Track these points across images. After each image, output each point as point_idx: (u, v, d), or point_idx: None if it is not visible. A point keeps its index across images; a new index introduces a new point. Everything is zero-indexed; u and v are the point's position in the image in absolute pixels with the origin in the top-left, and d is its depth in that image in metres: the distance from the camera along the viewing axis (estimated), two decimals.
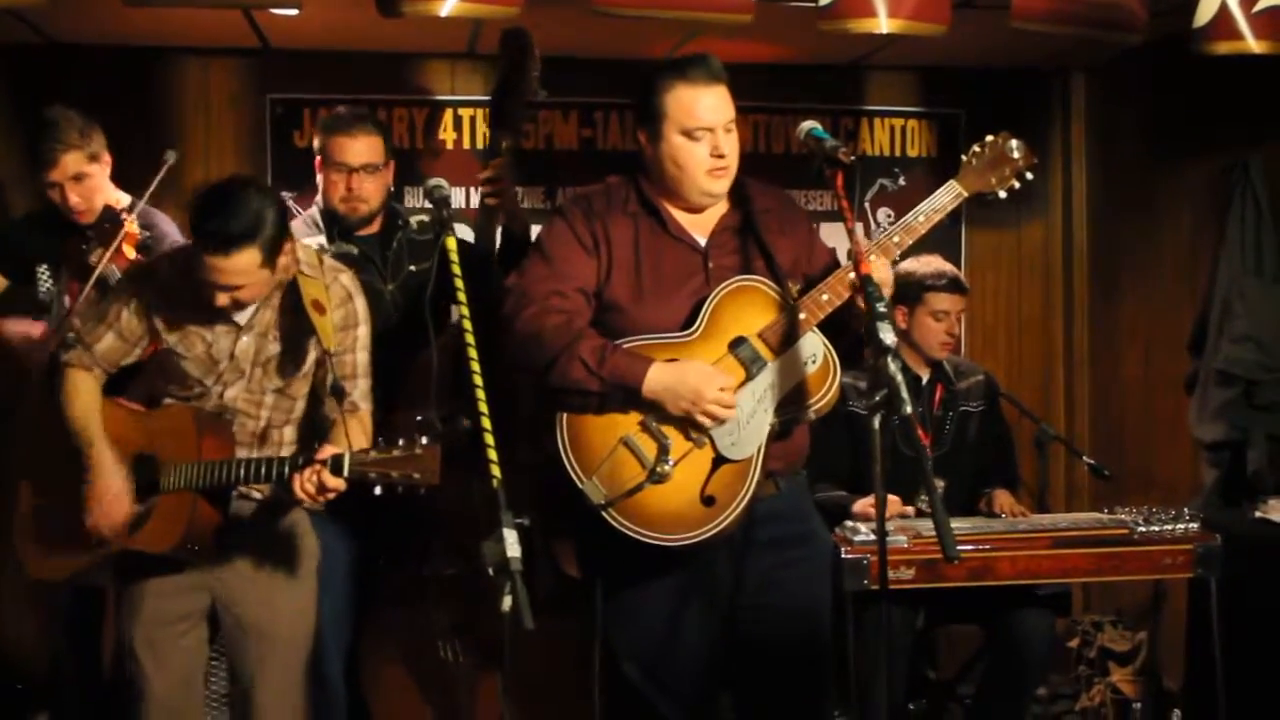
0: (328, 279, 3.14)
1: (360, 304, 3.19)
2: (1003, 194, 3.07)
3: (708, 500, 2.83)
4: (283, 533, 3.19)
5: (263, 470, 2.96)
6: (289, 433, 3.19)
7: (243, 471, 2.98)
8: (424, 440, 2.80)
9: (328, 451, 2.84)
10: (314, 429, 3.17)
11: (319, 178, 3.73)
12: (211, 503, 3.03)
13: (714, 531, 2.81)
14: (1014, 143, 3.06)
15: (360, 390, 3.16)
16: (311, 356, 3.12)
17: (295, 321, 3.06)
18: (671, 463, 2.80)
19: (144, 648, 3.12)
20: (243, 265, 2.87)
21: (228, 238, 2.84)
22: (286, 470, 2.90)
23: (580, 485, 2.80)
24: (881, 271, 2.84)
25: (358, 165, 3.63)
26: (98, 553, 3.09)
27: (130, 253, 3.52)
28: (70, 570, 3.22)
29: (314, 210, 3.77)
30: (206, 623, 3.21)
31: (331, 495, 2.84)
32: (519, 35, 3.52)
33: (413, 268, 3.71)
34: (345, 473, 2.79)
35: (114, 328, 3.10)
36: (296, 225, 3.76)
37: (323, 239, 3.66)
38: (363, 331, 3.18)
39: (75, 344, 3.12)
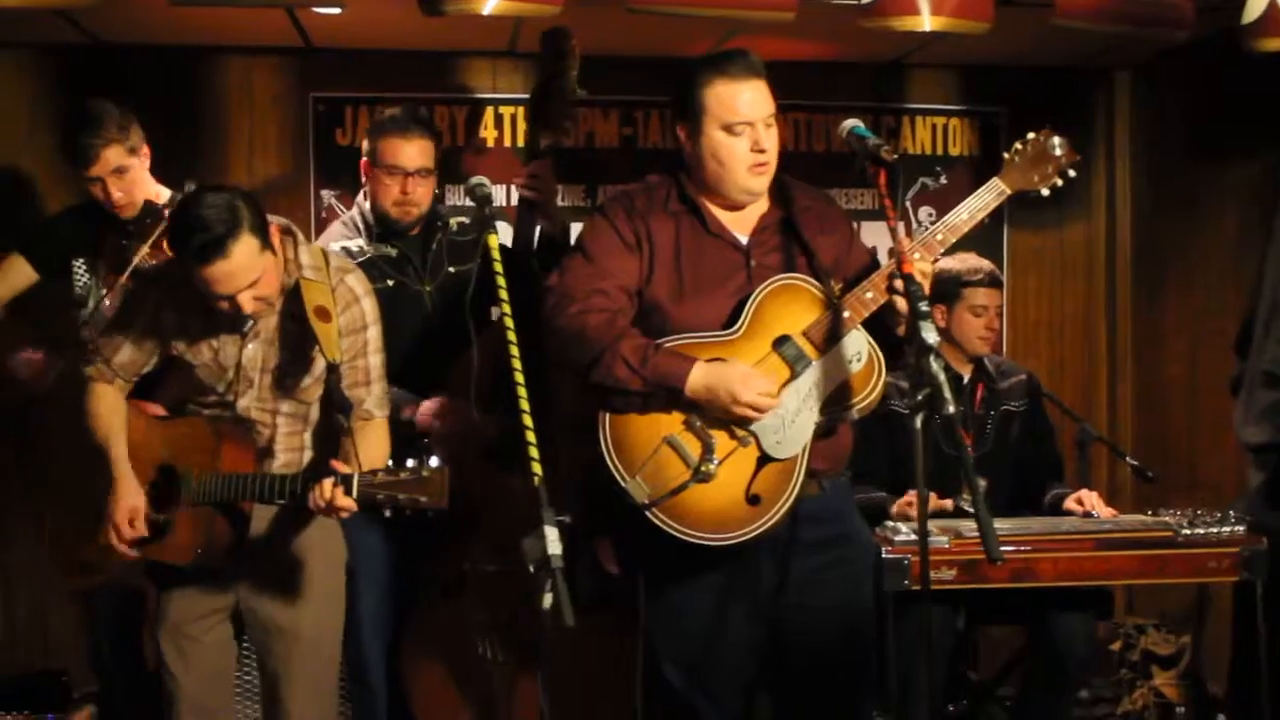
0: (333, 280, 3.10)
1: (369, 305, 3.14)
2: (1045, 191, 3.04)
3: (753, 499, 2.81)
4: (307, 531, 3.15)
5: (277, 487, 2.96)
6: (306, 439, 3.19)
7: (259, 487, 2.98)
8: (433, 462, 2.80)
9: (340, 470, 2.84)
10: (332, 435, 3.11)
11: (364, 179, 3.73)
12: (229, 516, 3.04)
13: (759, 531, 2.80)
14: (1056, 140, 3.03)
15: (374, 397, 3.13)
16: (320, 362, 3.07)
17: (300, 328, 3.04)
18: (716, 461, 2.79)
19: (171, 647, 3.14)
20: (244, 258, 2.86)
21: (218, 240, 2.83)
22: (300, 488, 2.90)
23: (623, 485, 2.79)
24: (924, 265, 2.84)
25: (413, 169, 3.62)
26: (123, 562, 3.10)
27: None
28: (101, 578, 3.27)
29: (354, 212, 3.77)
30: (231, 620, 3.21)
31: (344, 514, 2.84)
32: (560, 34, 3.53)
33: (452, 269, 3.70)
34: (354, 494, 2.80)
35: (130, 338, 3.11)
36: (334, 228, 3.79)
37: (362, 241, 3.66)
38: (372, 334, 3.14)
39: (95, 357, 3.14)
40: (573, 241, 3.12)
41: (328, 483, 2.81)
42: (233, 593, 3.16)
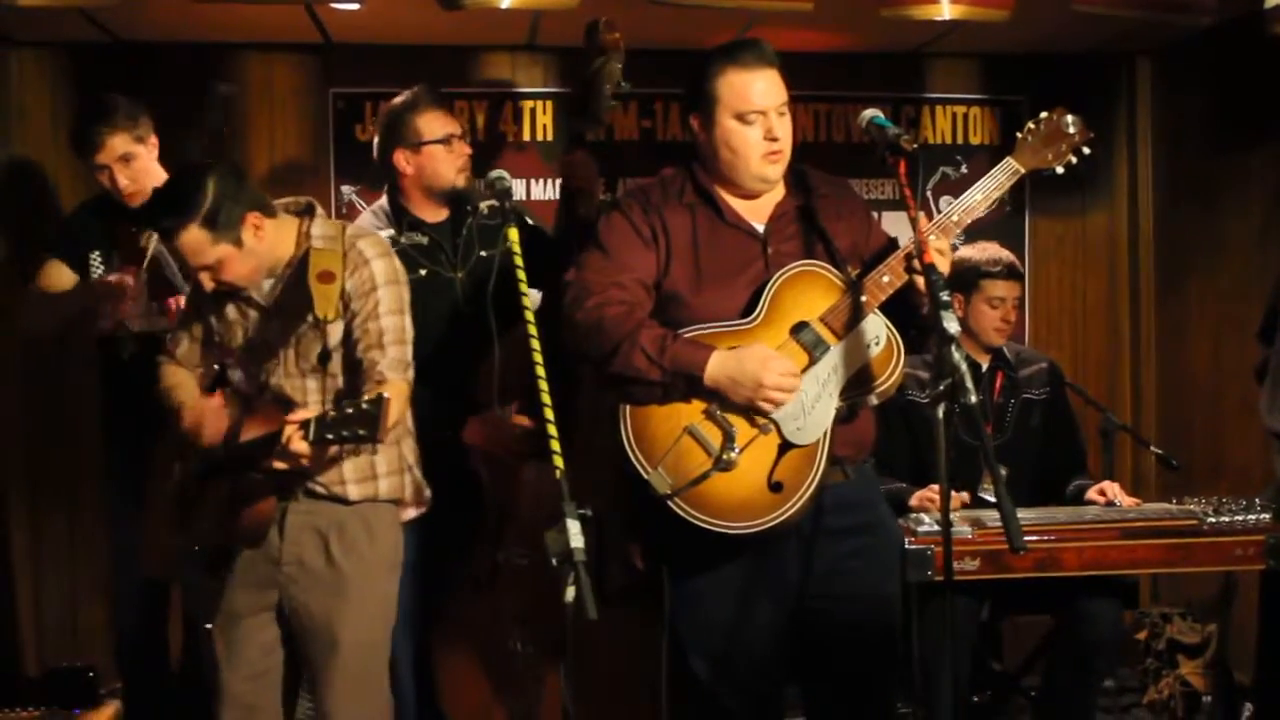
0: (345, 245, 3.08)
1: (379, 267, 3.06)
2: (1060, 169, 3.04)
3: (775, 486, 2.81)
4: (355, 532, 3.12)
5: (253, 448, 2.95)
6: None
7: (244, 450, 2.98)
8: (371, 397, 2.79)
9: (298, 416, 2.85)
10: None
11: (404, 168, 3.70)
12: (254, 493, 3.02)
13: (783, 518, 2.80)
14: (1069, 118, 3.03)
15: (388, 359, 3.01)
16: (336, 332, 3.05)
17: (307, 297, 3.04)
18: (737, 450, 2.79)
19: (219, 640, 3.15)
20: (191, 245, 2.93)
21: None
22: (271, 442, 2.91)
23: (645, 476, 2.79)
24: (940, 244, 2.84)
25: (461, 133, 3.73)
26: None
27: None
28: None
29: (383, 202, 3.79)
30: (279, 621, 3.18)
31: (303, 460, 2.86)
32: (603, 26, 3.53)
33: (483, 253, 3.70)
34: (310, 436, 2.81)
35: (188, 331, 3.24)
36: (364, 219, 3.81)
37: (391, 231, 3.68)
38: (385, 294, 3.05)
39: (165, 353, 3.28)
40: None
41: (289, 429, 2.82)
42: (276, 589, 3.12)
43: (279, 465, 2.88)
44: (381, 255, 3.10)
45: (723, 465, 2.79)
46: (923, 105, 5.23)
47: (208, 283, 3.01)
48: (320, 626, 3.10)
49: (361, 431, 2.76)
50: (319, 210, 3.15)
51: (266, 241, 3.02)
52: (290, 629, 3.17)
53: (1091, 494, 3.93)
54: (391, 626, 3.20)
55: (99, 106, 3.75)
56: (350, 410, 2.77)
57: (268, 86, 4.89)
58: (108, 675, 4.40)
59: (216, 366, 3.22)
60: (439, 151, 3.67)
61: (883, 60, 5.14)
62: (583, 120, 3.64)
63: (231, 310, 3.13)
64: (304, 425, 2.82)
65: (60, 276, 3.91)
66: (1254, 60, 4.39)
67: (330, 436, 2.79)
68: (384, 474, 3.14)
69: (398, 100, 3.76)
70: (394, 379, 3.00)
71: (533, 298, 3.00)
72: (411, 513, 3.26)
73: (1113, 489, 3.91)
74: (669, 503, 2.79)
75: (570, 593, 2.39)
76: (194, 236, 2.92)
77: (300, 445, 2.82)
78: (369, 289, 3.05)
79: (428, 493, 3.28)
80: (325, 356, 3.04)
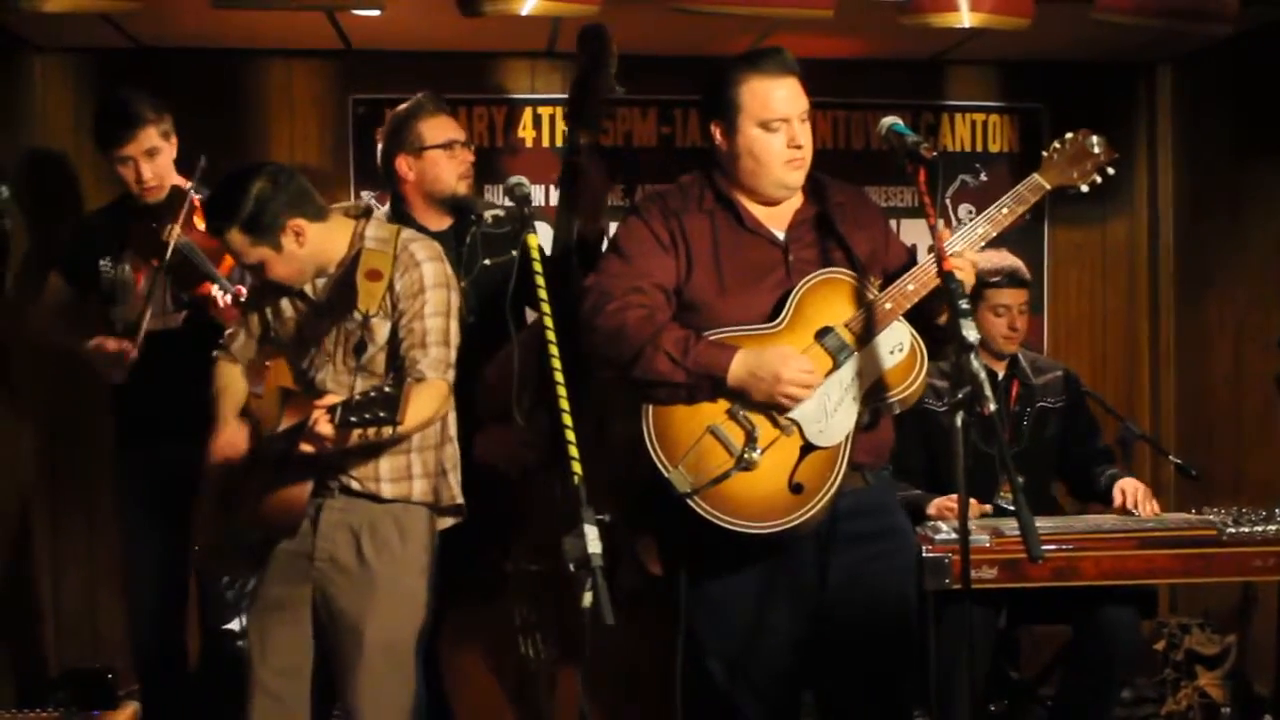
0: (398, 248, 3.14)
1: (429, 270, 3.12)
2: (1085, 188, 3.07)
3: (796, 488, 2.82)
4: (387, 532, 3.14)
5: (287, 433, 2.99)
6: None
7: (279, 437, 3.02)
8: (392, 382, 2.87)
9: (327, 401, 2.89)
10: None
11: (405, 174, 3.72)
12: (288, 482, 3.05)
13: (802, 519, 2.80)
14: (1095, 138, 3.06)
15: (429, 359, 3.06)
16: (383, 330, 3.11)
17: (353, 295, 3.10)
18: (759, 450, 2.80)
19: (254, 632, 3.19)
20: (235, 246, 3.08)
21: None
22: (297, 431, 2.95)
23: (666, 474, 2.80)
24: (964, 259, 2.86)
25: (463, 139, 3.74)
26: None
27: (201, 225, 3.66)
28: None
29: (385, 208, 3.81)
30: (312, 618, 3.19)
31: (328, 444, 2.89)
32: (597, 32, 3.53)
33: (487, 262, 3.71)
34: (336, 420, 2.84)
35: (244, 326, 3.33)
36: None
37: None
38: (432, 296, 3.10)
39: (220, 347, 3.35)
40: (606, 243, 3.13)
41: (316, 413, 2.86)
42: (309, 583, 3.15)
43: (305, 449, 2.90)
44: (433, 259, 3.16)
45: (744, 465, 2.80)
46: (942, 112, 5.23)
47: (257, 282, 3.22)
48: (349, 624, 3.12)
49: (382, 414, 2.78)
50: (377, 213, 3.25)
51: (311, 245, 3.09)
52: (321, 624, 3.19)
53: (1118, 488, 3.92)
54: (420, 628, 3.20)
55: (128, 100, 3.78)
56: (373, 394, 2.80)
57: (288, 92, 4.92)
58: (126, 677, 4.42)
59: (267, 364, 3.29)
60: (440, 157, 3.68)
61: (902, 67, 5.13)
62: (579, 127, 3.64)
63: (286, 305, 3.22)
64: (331, 410, 2.85)
65: (54, 292, 3.94)
66: (1274, 69, 4.37)
67: (354, 419, 2.82)
68: (419, 475, 3.16)
69: (402, 106, 3.78)
70: (434, 378, 3.07)
71: (530, 318, 3.01)
72: (448, 521, 3.28)
73: (1134, 490, 3.88)
74: (688, 501, 2.79)
75: (588, 598, 2.40)
76: (235, 239, 3.06)
77: (325, 428, 2.85)
78: (417, 290, 3.11)
79: (461, 501, 3.29)
80: (361, 348, 3.09)
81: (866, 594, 2.94)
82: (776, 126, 2.92)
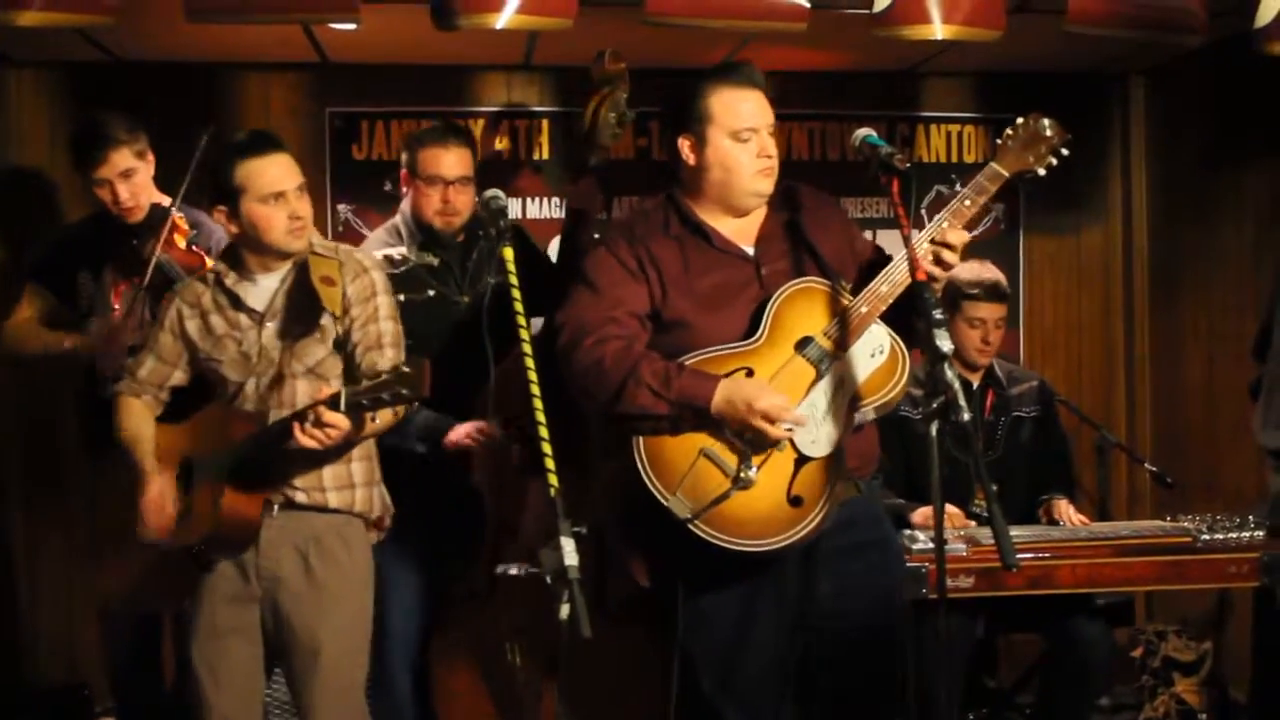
0: (342, 257, 3.18)
1: (377, 277, 3.19)
2: (1042, 171, 3.05)
3: (794, 501, 2.82)
4: (331, 547, 3.14)
5: (274, 431, 2.97)
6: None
7: (256, 440, 3.00)
8: (404, 360, 2.83)
9: (325, 393, 2.87)
10: None
11: (405, 190, 3.77)
12: (245, 490, 3.03)
13: (805, 531, 2.80)
14: (1045, 121, 3.06)
15: (388, 359, 3.09)
16: (332, 331, 3.12)
17: (309, 301, 3.08)
18: (755, 468, 2.79)
19: (202, 664, 3.14)
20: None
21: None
22: (292, 420, 2.91)
23: (665, 502, 2.78)
24: (953, 238, 2.88)
25: (453, 178, 3.68)
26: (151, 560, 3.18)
27: (181, 243, 3.63)
28: (131, 588, 3.29)
29: (397, 220, 3.80)
30: (262, 640, 3.19)
31: (335, 433, 2.85)
32: (611, 56, 3.58)
33: (492, 280, 3.70)
34: (342, 407, 2.81)
35: (154, 351, 3.23)
36: (377, 234, 3.85)
37: (403, 248, 3.71)
38: (383, 301, 3.17)
39: (125, 375, 3.27)
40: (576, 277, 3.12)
41: (310, 413, 2.83)
42: (257, 606, 3.14)
43: (309, 443, 2.87)
44: (376, 266, 3.24)
45: (742, 484, 2.79)
46: (916, 124, 5.25)
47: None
48: (302, 638, 3.11)
49: (404, 391, 2.75)
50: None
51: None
52: (270, 643, 3.18)
53: (1043, 509, 3.99)
54: (369, 637, 3.22)
55: (101, 121, 3.76)
56: (386, 376, 2.78)
57: (265, 105, 4.91)
58: (102, 694, 4.39)
59: (164, 393, 3.24)
60: (424, 188, 3.70)
61: (876, 79, 5.16)
62: (587, 147, 3.67)
63: (219, 323, 3.15)
64: (333, 399, 2.83)
65: (34, 301, 3.92)
66: (1245, 78, 4.41)
67: (366, 402, 2.79)
68: (360, 484, 3.17)
69: (421, 125, 3.83)
70: None
71: (535, 326, 3.01)
72: (374, 536, 3.27)
73: (1061, 508, 3.95)
74: (690, 527, 2.78)
75: (565, 610, 2.40)
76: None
77: (333, 415, 2.82)
78: (369, 294, 3.15)
79: (392, 512, 3.29)
80: (340, 345, 3.09)
81: (856, 605, 2.95)
82: (747, 136, 2.94)
